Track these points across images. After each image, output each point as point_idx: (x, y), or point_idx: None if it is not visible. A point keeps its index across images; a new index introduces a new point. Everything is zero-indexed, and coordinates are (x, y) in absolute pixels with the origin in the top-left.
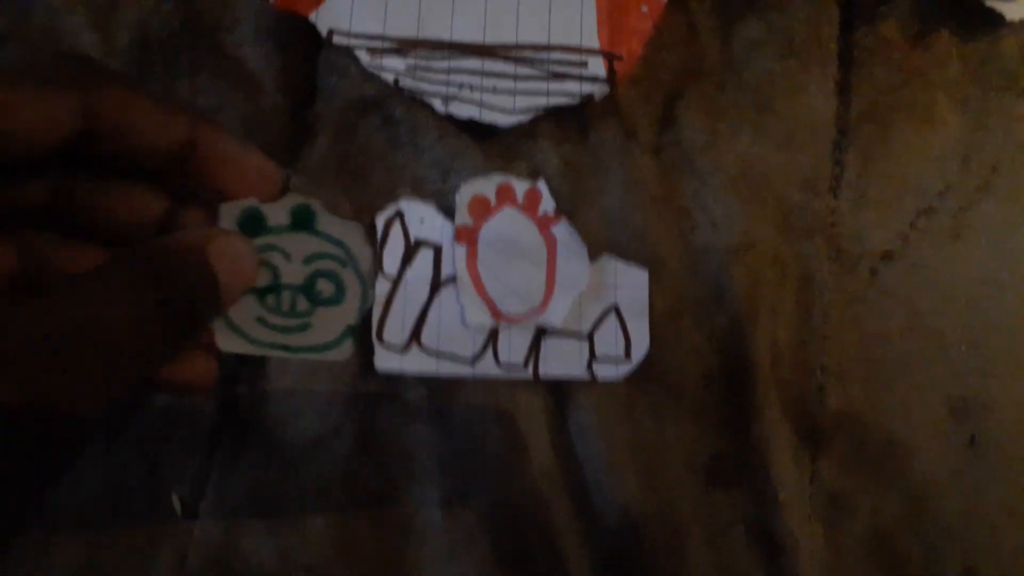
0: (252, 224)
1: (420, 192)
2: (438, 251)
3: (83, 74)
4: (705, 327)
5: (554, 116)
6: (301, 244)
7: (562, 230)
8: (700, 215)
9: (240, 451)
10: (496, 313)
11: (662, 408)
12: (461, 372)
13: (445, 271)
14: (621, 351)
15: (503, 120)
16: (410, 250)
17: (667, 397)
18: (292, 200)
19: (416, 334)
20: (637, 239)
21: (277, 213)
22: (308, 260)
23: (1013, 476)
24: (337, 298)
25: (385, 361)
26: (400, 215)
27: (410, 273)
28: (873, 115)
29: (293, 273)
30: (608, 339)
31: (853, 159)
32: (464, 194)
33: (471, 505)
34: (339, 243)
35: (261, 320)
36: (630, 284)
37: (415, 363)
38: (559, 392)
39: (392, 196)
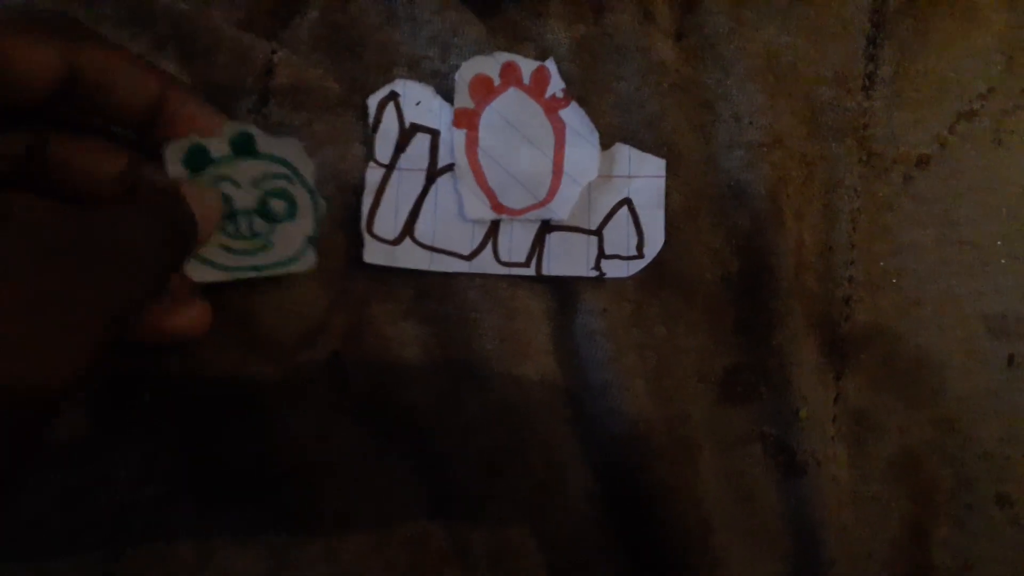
0: (197, 158)
1: (417, 71)
2: (435, 136)
3: (68, 28)
4: (724, 227)
5: None
6: (247, 169)
7: (572, 114)
8: (722, 106)
9: (219, 345)
10: (497, 206)
11: (675, 313)
12: (457, 268)
13: (443, 159)
14: (633, 247)
15: None
16: (405, 135)
17: (680, 301)
18: (230, 129)
19: (409, 227)
20: (653, 129)
21: (218, 145)
22: (256, 183)
23: None
24: (291, 212)
25: (374, 255)
26: (395, 97)
27: (404, 160)
28: (911, 9)
29: (245, 198)
30: (619, 235)
31: (888, 55)
32: (465, 73)
33: (463, 411)
34: (282, 161)
35: (225, 248)
36: (645, 175)
37: (407, 257)
38: (564, 292)
39: (387, 75)
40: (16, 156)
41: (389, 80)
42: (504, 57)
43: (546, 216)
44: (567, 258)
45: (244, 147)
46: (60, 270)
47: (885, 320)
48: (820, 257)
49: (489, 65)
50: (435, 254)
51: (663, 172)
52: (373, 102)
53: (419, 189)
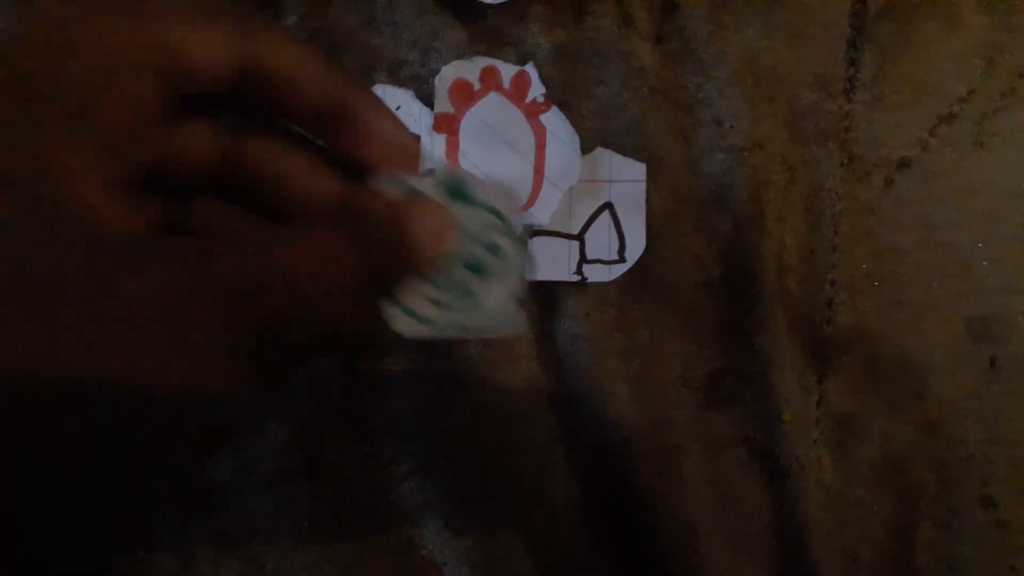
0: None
1: (397, 76)
2: (417, 141)
3: (245, 19)
4: (706, 231)
5: None
6: (460, 217)
7: (552, 119)
8: (703, 111)
9: None
10: None
11: (657, 317)
12: None
13: (423, 165)
14: (614, 252)
15: None
16: None
17: (663, 306)
18: (443, 173)
19: None
20: (634, 134)
21: (431, 187)
22: (469, 233)
23: None
24: (501, 268)
25: None
26: None
27: None
28: (892, 12)
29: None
30: (601, 239)
31: (869, 59)
32: (445, 78)
33: (447, 417)
34: (493, 210)
35: (434, 301)
36: (626, 179)
37: None
38: (546, 297)
39: (367, 80)
40: (208, 156)
41: (369, 85)
42: (484, 62)
43: (526, 221)
44: (549, 263)
45: (457, 192)
46: (215, 316)
47: (867, 323)
48: (802, 261)
49: (469, 70)
50: None
51: (643, 176)
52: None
53: None
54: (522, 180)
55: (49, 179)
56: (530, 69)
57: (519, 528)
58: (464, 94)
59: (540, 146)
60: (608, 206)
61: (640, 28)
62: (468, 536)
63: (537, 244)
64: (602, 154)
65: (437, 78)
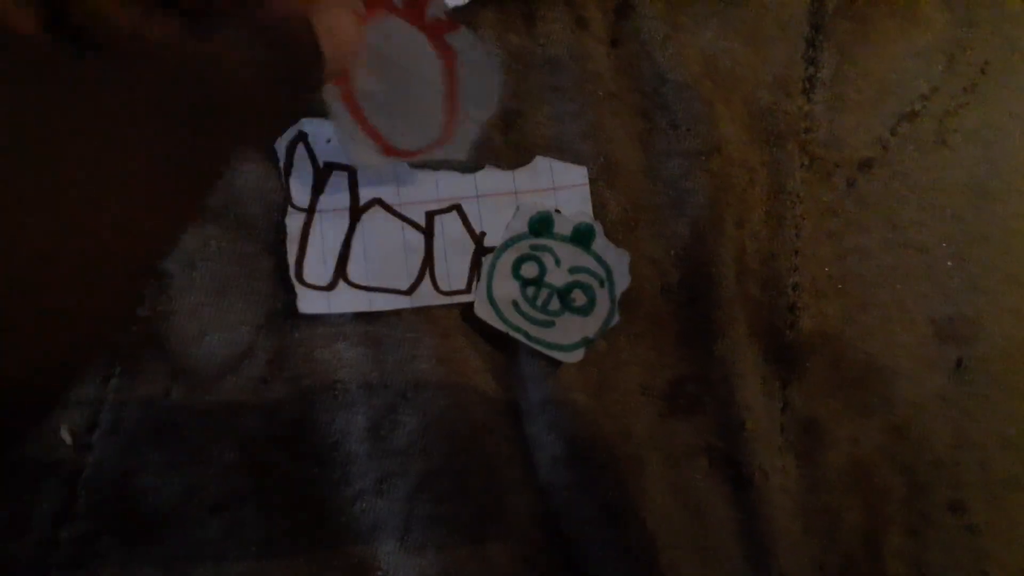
0: (543, 226)
1: None
2: (353, 173)
3: None
4: (663, 237)
5: (495, 2)
6: (573, 256)
7: (462, 39)
8: (660, 115)
9: (138, 374)
10: (388, 147)
11: (615, 325)
12: (398, 305)
13: (364, 195)
14: None
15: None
16: (320, 175)
17: (621, 313)
18: (579, 218)
19: (341, 270)
20: (589, 140)
21: (564, 223)
22: (573, 271)
23: (1004, 402)
24: (586, 310)
25: (310, 304)
26: (303, 137)
27: (324, 201)
28: (851, 10)
29: (557, 276)
30: None
31: (828, 58)
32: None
33: (401, 435)
34: (605, 265)
35: (516, 304)
36: (569, 184)
37: (345, 302)
38: None
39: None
40: None
41: (294, 121)
42: None
43: (443, 156)
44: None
45: (583, 238)
46: (177, 121)
47: (831, 327)
48: (763, 264)
49: None
50: (373, 294)
51: (586, 179)
52: (281, 146)
53: (344, 229)
54: (432, 112)
55: None
56: None
57: (476, 546)
58: None
59: (450, 71)
60: (555, 212)
61: (594, 31)
62: (424, 555)
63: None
64: (541, 163)
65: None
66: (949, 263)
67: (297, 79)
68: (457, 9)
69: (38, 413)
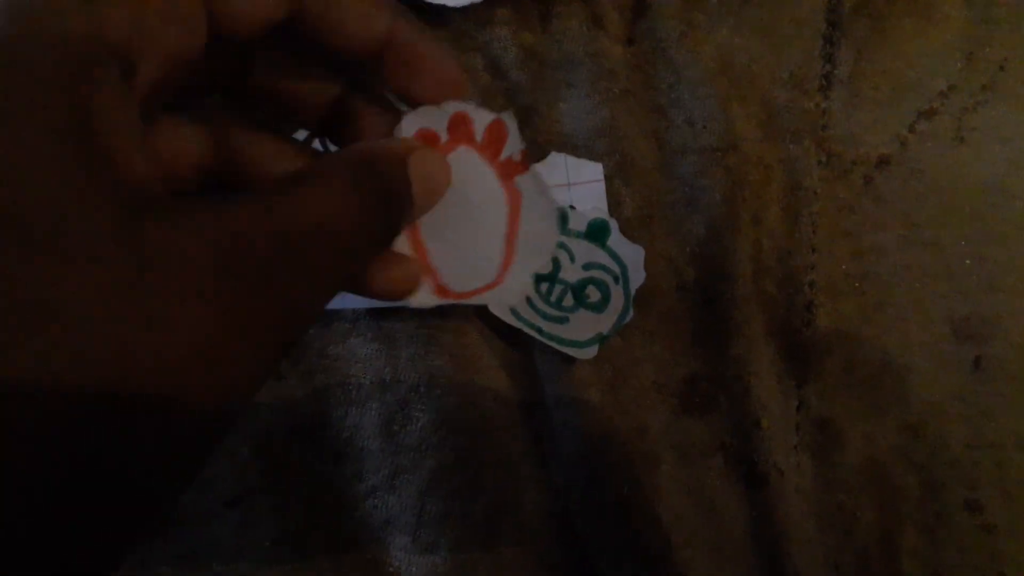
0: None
1: None
2: None
3: None
4: (679, 234)
5: (512, 0)
6: (587, 252)
7: (528, 182)
8: (675, 112)
9: None
10: (440, 288)
11: (630, 322)
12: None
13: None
14: None
15: (453, 0)
16: None
17: (636, 310)
18: (594, 214)
19: None
20: (604, 137)
21: (578, 219)
22: (587, 267)
23: (1021, 401)
24: (600, 306)
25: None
26: None
27: None
28: (868, 7)
29: (571, 272)
30: None
31: (845, 55)
32: (408, 125)
33: (413, 431)
34: (620, 261)
35: (530, 300)
36: (585, 181)
37: (359, 298)
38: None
39: None
40: (198, 155)
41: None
42: (454, 107)
43: (495, 301)
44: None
45: (598, 234)
46: (249, 276)
47: (848, 325)
48: (779, 262)
49: (436, 117)
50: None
51: (601, 176)
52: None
53: None
54: (492, 254)
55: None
56: (508, 120)
57: (489, 543)
58: (430, 147)
59: (514, 214)
60: (570, 208)
61: (610, 29)
62: (436, 553)
63: None
64: (556, 159)
65: (397, 128)
66: (967, 261)
67: (392, 227)
68: (473, 6)
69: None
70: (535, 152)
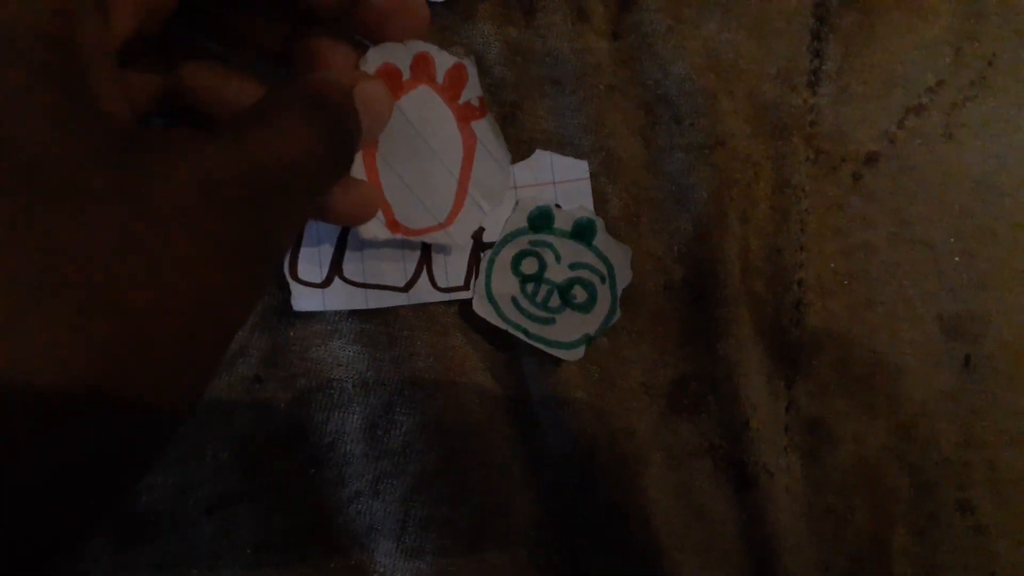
0: (542, 221)
1: None
2: None
3: None
4: (666, 232)
5: None
6: (574, 251)
7: (485, 128)
8: (662, 109)
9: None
10: (393, 223)
11: (616, 323)
12: (395, 302)
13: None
14: None
15: None
16: None
17: (622, 310)
18: (580, 213)
19: (336, 266)
20: (590, 134)
21: (565, 217)
22: (574, 266)
23: (1012, 400)
24: (586, 307)
25: (304, 301)
26: None
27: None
28: (857, 1)
29: (557, 272)
30: None
31: (833, 50)
32: (372, 60)
33: (397, 434)
34: (606, 261)
35: (515, 301)
36: (570, 178)
37: (340, 299)
38: None
39: None
40: (153, 93)
41: None
42: (418, 47)
43: (443, 241)
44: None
45: (583, 233)
46: (229, 211)
47: (837, 324)
48: (767, 261)
49: (399, 54)
50: (369, 291)
51: (587, 174)
52: None
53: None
54: (444, 193)
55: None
56: (469, 64)
57: (475, 548)
58: (391, 82)
59: (468, 157)
60: (555, 207)
61: (595, 23)
62: (421, 558)
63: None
64: (542, 156)
65: (362, 60)
66: (957, 259)
67: (346, 156)
68: (455, 0)
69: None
70: (520, 150)
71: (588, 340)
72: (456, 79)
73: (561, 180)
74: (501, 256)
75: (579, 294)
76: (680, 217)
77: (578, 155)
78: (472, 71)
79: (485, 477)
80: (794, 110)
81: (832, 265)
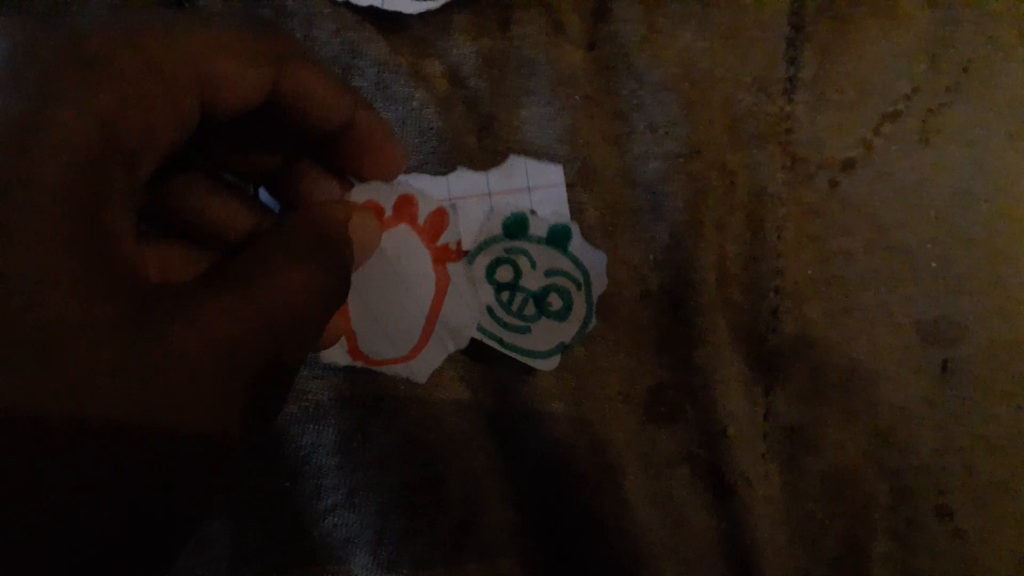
0: (517, 228)
1: None
2: None
3: (276, 40)
4: (642, 241)
5: (470, 5)
6: (549, 258)
7: (459, 271)
8: (637, 118)
9: None
10: (355, 350)
11: (593, 332)
12: None
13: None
14: None
15: (409, 6)
16: None
17: (599, 319)
18: (555, 219)
19: None
20: (566, 143)
21: (539, 225)
22: (549, 273)
23: (989, 404)
24: (562, 315)
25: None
26: None
27: None
28: (832, 9)
29: (532, 280)
30: None
31: (809, 58)
32: (357, 195)
33: (372, 447)
34: (582, 267)
35: (490, 310)
36: (545, 185)
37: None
38: None
39: None
40: (170, 205)
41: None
42: (403, 188)
43: (403, 375)
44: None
45: (560, 239)
46: (244, 366)
47: (814, 331)
48: (744, 269)
49: (384, 193)
50: None
51: (562, 179)
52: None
53: None
54: (411, 329)
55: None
56: (451, 211)
57: (452, 559)
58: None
59: (439, 296)
60: (530, 213)
61: (571, 34)
62: (398, 570)
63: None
64: (516, 162)
65: (347, 195)
66: (933, 264)
67: (345, 287)
68: (431, 13)
69: None
70: (496, 161)
71: (563, 349)
72: (437, 223)
73: (536, 186)
74: (476, 264)
75: (555, 302)
76: (656, 226)
77: (554, 165)
78: (453, 216)
79: (462, 488)
80: (770, 118)
81: (809, 272)
